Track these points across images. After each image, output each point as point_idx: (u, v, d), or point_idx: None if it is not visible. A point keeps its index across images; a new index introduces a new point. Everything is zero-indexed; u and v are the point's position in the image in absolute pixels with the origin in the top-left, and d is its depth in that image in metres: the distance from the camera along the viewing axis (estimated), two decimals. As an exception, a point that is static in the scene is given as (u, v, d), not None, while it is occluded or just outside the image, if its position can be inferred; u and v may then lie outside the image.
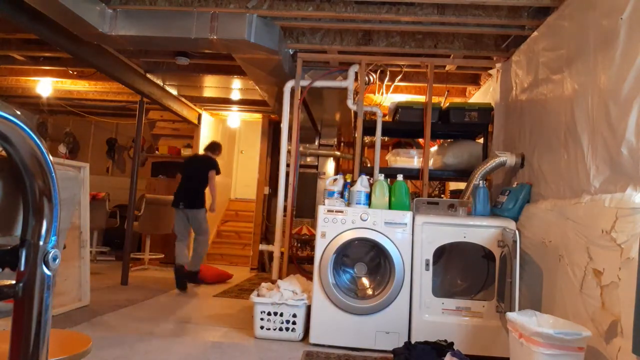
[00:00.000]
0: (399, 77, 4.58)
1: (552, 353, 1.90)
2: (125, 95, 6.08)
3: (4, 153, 0.64)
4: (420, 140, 4.79)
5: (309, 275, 3.60)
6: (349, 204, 3.25)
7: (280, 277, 3.74)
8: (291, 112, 4.06)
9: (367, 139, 5.44)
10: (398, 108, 3.99)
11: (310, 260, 5.04)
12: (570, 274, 2.27)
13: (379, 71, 4.53)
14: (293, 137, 4.03)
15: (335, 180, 3.43)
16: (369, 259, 3.24)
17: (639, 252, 1.72)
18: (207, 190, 5.10)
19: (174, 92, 5.77)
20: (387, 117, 4.28)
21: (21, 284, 0.65)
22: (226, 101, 6.22)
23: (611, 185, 2.04)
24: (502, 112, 3.77)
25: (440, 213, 3.15)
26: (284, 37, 3.73)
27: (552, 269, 2.50)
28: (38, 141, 0.64)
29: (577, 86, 2.43)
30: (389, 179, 3.43)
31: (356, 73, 4.05)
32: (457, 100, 5.22)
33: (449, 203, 3.21)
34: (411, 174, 3.94)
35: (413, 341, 2.81)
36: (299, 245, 5.59)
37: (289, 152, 4.11)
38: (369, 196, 3.23)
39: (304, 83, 4.06)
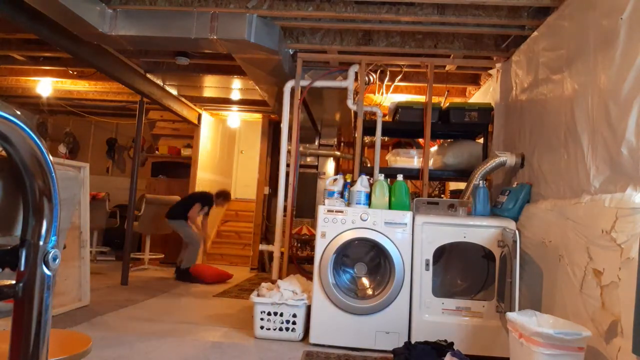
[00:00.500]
0: (399, 77, 4.58)
1: (552, 353, 1.90)
2: (125, 95, 6.08)
3: (4, 153, 0.64)
4: (420, 140, 4.79)
5: (309, 275, 3.60)
6: (349, 204, 3.25)
7: (280, 277, 3.74)
8: (291, 112, 4.06)
9: (367, 139, 5.44)
10: (398, 108, 3.99)
11: (310, 260, 5.04)
12: (570, 274, 2.27)
13: (379, 71, 4.53)
14: (293, 137, 4.03)
15: (335, 180, 3.43)
16: (369, 259, 3.24)
17: (639, 252, 1.72)
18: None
19: (174, 92, 5.77)
20: (387, 117, 4.28)
21: (21, 284, 0.65)
22: (226, 101, 6.22)
23: (611, 185, 2.05)
24: (502, 112, 3.77)
25: (440, 213, 3.15)
26: (284, 37, 3.73)
27: (552, 269, 2.50)
28: (38, 141, 0.64)
29: (577, 86, 2.43)
30: (389, 179, 3.43)
31: (356, 73, 4.05)
32: (457, 100, 5.22)
33: (449, 203, 3.21)
34: (411, 174, 3.94)
35: (413, 341, 2.81)
36: (299, 245, 5.59)
37: (289, 152, 4.11)
38: (369, 196, 3.23)
39: (304, 83, 4.06)
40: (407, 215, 3.04)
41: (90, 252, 4.35)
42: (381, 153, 4.16)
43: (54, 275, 0.68)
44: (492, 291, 2.92)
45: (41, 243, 0.66)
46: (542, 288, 2.61)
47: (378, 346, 2.96)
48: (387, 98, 4.96)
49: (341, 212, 3.09)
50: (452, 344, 2.69)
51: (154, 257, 6.28)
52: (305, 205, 6.15)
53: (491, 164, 3.29)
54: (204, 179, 7.06)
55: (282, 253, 3.99)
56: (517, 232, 2.59)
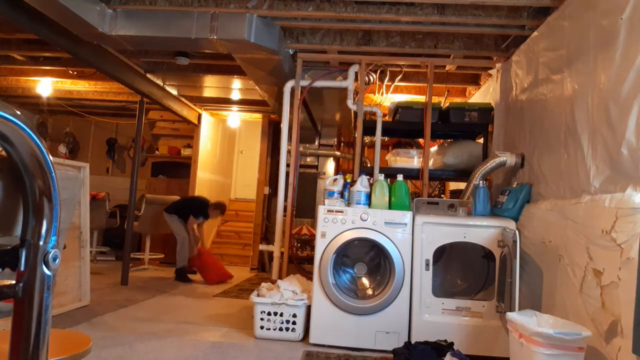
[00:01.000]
0: (399, 77, 4.58)
1: (552, 353, 1.90)
2: (125, 95, 6.08)
3: (4, 153, 0.64)
4: (420, 140, 4.79)
5: (309, 275, 3.60)
6: (349, 204, 3.25)
7: (280, 277, 3.74)
8: (291, 112, 4.06)
9: (367, 139, 5.45)
10: (398, 108, 3.99)
11: (310, 260, 5.04)
12: (570, 274, 2.27)
13: (379, 71, 4.53)
14: (293, 137, 4.03)
15: (335, 180, 3.43)
16: (369, 259, 3.24)
17: (639, 252, 1.72)
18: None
19: (174, 92, 5.77)
20: (387, 117, 4.28)
21: (21, 284, 0.65)
22: (226, 101, 6.22)
23: (611, 185, 2.04)
24: (502, 112, 3.77)
25: (440, 213, 3.15)
26: (284, 37, 3.73)
27: (552, 269, 2.50)
28: (38, 141, 0.64)
29: (577, 86, 2.43)
30: (389, 179, 3.43)
31: (356, 73, 4.05)
32: (457, 100, 5.22)
33: (449, 203, 3.21)
34: (411, 174, 3.94)
35: (413, 341, 2.81)
36: (299, 245, 5.59)
37: (289, 152, 4.11)
38: (369, 196, 3.23)
39: (304, 83, 4.06)
40: (407, 215, 3.04)
41: (90, 252, 4.35)
42: (381, 153, 4.16)
43: (54, 275, 0.68)
44: (492, 291, 2.92)
45: (41, 243, 0.66)
46: (542, 288, 2.61)
47: (378, 346, 2.96)
48: (387, 98, 4.96)
49: (341, 212, 3.09)
50: (452, 344, 2.69)
51: (154, 257, 6.28)
52: (305, 205, 6.15)
53: (491, 164, 3.29)
54: (204, 179, 7.06)
55: (282, 253, 3.99)
56: (517, 232, 2.59)
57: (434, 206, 3.22)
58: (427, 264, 2.95)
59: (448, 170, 3.96)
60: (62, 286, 3.49)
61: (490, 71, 4.15)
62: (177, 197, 6.07)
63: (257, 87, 4.66)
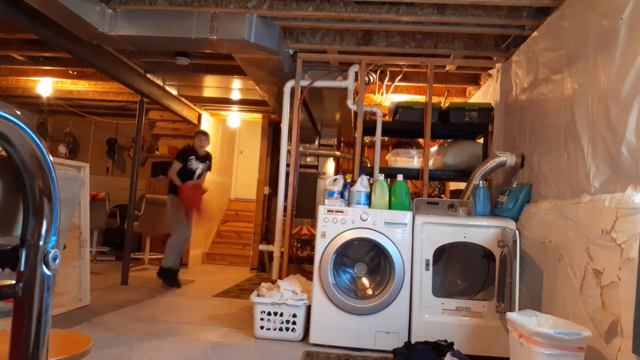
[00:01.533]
0: (399, 77, 4.58)
1: (552, 353, 1.90)
2: (125, 95, 6.08)
3: (4, 153, 0.64)
4: (420, 140, 4.79)
5: (309, 275, 3.60)
6: (349, 204, 3.25)
7: (280, 277, 3.74)
8: (291, 112, 4.06)
9: (367, 139, 5.45)
10: (398, 108, 3.99)
11: (310, 260, 5.04)
12: (570, 274, 2.27)
13: (379, 71, 4.53)
14: (293, 137, 4.03)
15: (335, 180, 3.43)
16: (369, 259, 3.24)
17: (639, 252, 1.72)
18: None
19: (174, 92, 5.77)
20: (387, 117, 4.28)
21: (21, 284, 0.65)
22: (226, 101, 6.22)
23: (611, 185, 2.04)
24: (502, 112, 3.77)
25: (440, 213, 3.15)
26: (284, 37, 3.73)
27: (552, 269, 2.50)
28: (38, 141, 0.64)
29: (577, 86, 2.43)
30: (389, 179, 3.43)
31: (356, 73, 4.05)
32: (457, 100, 5.22)
33: (449, 203, 3.21)
34: (411, 174, 3.94)
35: (413, 341, 2.81)
36: (299, 245, 5.59)
37: (289, 152, 4.11)
38: (369, 196, 3.23)
39: (304, 83, 4.06)
40: (407, 215, 3.04)
41: (90, 252, 4.35)
42: (381, 153, 4.16)
43: (54, 275, 0.68)
44: (492, 291, 2.92)
45: (41, 243, 0.66)
46: (542, 288, 2.61)
47: (378, 346, 2.96)
48: (387, 98, 4.96)
49: (341, 212, 3.09)
50: (452, 344, 2.69)
51: (154, 257, 6.27)
52: (305, 205, 6.15)
53: (491, 164, 3.29)
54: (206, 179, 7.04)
55: (282, 253, 3.99)
56: (517, 232, 2.59)
57: (434, 206, 3.22)
58: (427, 264, 2.95)
59: (448, 170, 3.96)
60: (62, 286, 3.49)
61: (490, 71, 4.15)
62: None
63: (257, 87, 4.66)
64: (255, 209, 7.05)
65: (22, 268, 0.65)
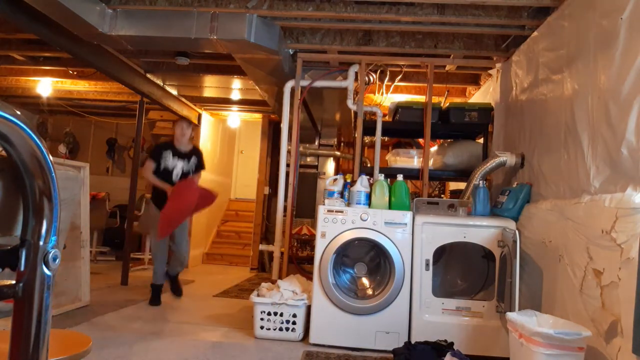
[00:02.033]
0: (399, 77, 4.58)
1: (552, 353, 1.90)
2: (125, 95, 6.07)
3: (4, 153, 0.64)
4: (420, 140, 4.79)
5: (309, 275, 3.60)
6: (349, 204, 3.25)
7: (280, 277, 3.74)
8: (291, 112, 4.06)
9: (367, 139, 5.44)
10: (398, 108, 3.99)
11: (310, 260, 5.04)
12: (570, 274, 2.27)
13: (379, 71, 4.53)
14: (293, 137, 4.02)
15: (335, 180, 3.43)
16: (369, 259, 3.24)
17: (639, 252, 1.72)
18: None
19: (174, 92, 5.77)
20: (387, 117, 4.28)
21: (21, 284, 0.65)
22: (226, 101, 6.22)
23: (611, 185, 2.04)
24: (502, 112, 3.77)
25: (440, 213, 3.15)
26: (284, 37, 3.73)
27: (552, 269, 2.49)
28: (38, 141, 0.64)
29: (577, 86, 2.43)
30: (389, 179, 3.43)
31: (356, 73, 4.05)
32: (457, 100, 5.22)
33: (449, 203, 3.21)
34: (411, 174, 3.94)
35: (413, 341, 2.81)
36: (299, 245, 5.59)
37: (289, 152, 4.11)
38: (369, 196, 3.23)
39: (304, 83, 4.06)
40: (407, 215, 3.04)
41: (90, 252, 4.35)
42: (381, 153, 4.16)
43: (54, 275, 0.68)
44: (492, 291, 2.92)
45: (41, 243, 0.66)
46: (542, 288, 2.61)
47: (378, 346, 2.96)
48: (387, 98, 4.96)
49: (341, 212, 3.09)
50: (452, 344, 2.69)
51: (154, 257, 6.27)
52: (305, 205, 6.15)
53: (491, 164, 3.29)
54: (204, 178, 6.98)
55: (282, 253, 3.99)
56: (517, 232, 2.59)
57: (434, 206, 3.22)
58: (427, 264, 2.95)
59: (448, 170, 3.96)
60: (62, 286, 3.49)
61: (490, 71, 4.15)
62: None
63: (257, 87, 4.66)
64: (255, 209, 7.05)
65: (22, 268, 0.65)
